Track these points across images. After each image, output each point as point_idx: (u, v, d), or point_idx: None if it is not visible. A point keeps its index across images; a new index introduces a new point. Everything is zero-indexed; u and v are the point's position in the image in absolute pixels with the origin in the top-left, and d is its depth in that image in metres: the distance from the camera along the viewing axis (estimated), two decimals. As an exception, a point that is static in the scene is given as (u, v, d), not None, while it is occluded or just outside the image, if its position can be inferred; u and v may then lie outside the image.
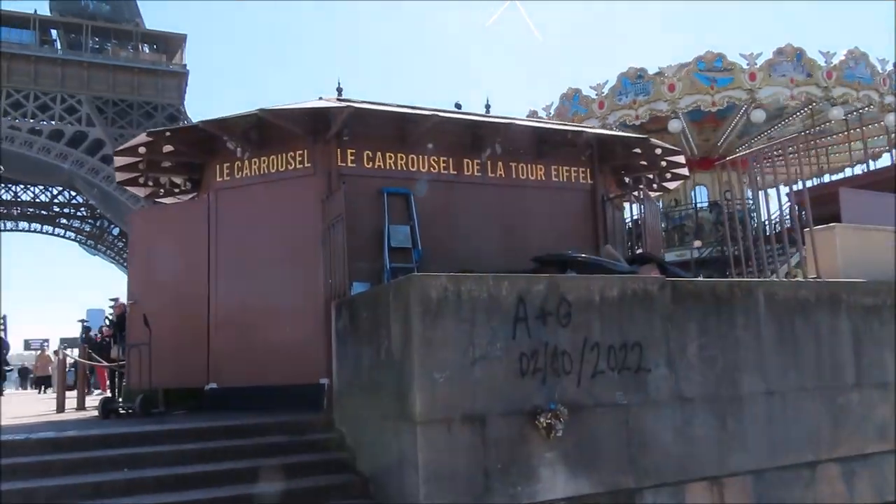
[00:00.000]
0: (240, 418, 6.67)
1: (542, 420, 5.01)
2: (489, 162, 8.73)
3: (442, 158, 8.50)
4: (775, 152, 8.63)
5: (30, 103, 58.09)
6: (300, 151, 8.14)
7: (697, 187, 19.80)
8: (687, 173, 10.41)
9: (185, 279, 8.59)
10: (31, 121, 57.90)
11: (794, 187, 13.62)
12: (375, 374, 5.68)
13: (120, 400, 9.18)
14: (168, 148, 8.54)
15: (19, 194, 63.91)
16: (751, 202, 15.58)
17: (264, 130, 8.17)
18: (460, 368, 4.95)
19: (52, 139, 57.33)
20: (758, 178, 8.28)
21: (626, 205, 10.25)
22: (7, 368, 20.46)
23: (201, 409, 8.29)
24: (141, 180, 9.50)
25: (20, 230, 63.07)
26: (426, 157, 8.39)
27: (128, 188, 9.72)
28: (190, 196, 9.72)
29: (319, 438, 6.36)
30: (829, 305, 6.56)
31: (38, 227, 63.24)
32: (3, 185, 61.96)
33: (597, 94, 17.88)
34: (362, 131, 8.03)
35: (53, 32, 63.76)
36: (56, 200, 66.05)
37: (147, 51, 65.71)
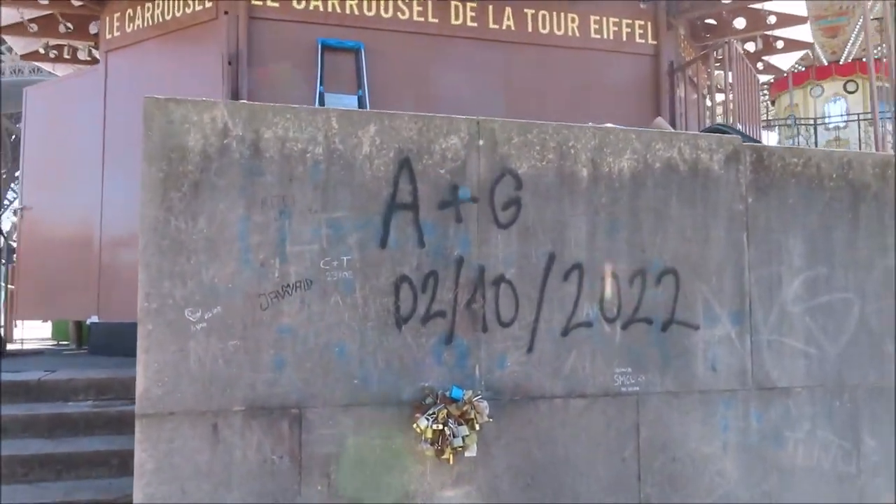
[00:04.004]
0: (67, 368, 4.38)
1: (422, 424, 2.28)
2: (491, 7, 5.78)
3: (416, 0, 5.65)
4: None
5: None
6: (200, -14, 5.56)
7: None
8: (810, 39, 6.93)
9: (78, 177, 6.39)
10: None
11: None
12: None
13: None
14: (45, -1, 6.18)
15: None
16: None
17: (153, -44, 5.65)
18: (249, 303, 2.29)
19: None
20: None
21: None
22: None
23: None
24: (45, 52, 7.27)
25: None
26: (390, -4, 5.57)
27: (38, 64, 7.52)
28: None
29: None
30: None
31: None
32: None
33: None
34: (289, -47, 5.32)
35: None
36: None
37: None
